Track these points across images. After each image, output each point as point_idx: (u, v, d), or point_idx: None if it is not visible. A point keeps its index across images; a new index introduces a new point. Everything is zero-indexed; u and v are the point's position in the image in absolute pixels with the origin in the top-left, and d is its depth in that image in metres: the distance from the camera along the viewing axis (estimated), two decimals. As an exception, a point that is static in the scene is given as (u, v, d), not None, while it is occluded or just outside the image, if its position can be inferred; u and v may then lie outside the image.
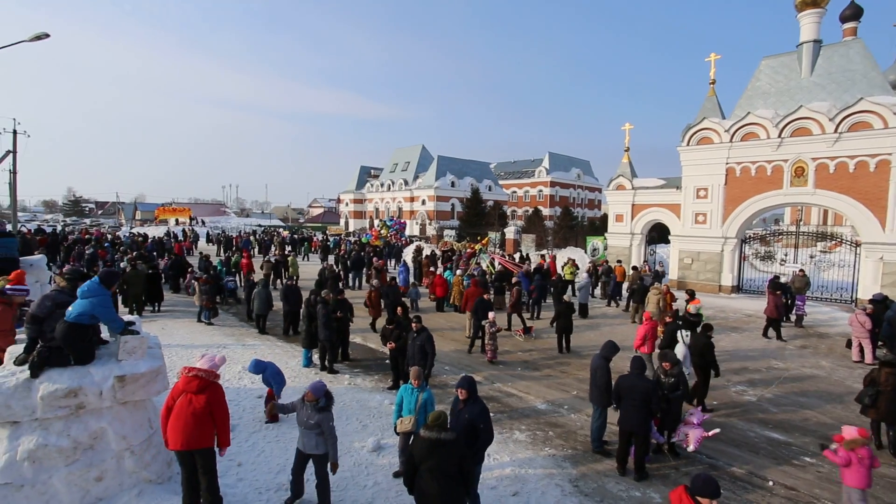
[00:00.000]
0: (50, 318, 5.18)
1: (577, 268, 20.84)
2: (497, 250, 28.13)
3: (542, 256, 24.23)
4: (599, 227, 42.32)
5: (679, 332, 8.51)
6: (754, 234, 24.15)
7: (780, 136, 19.17)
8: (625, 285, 18.65)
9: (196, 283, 14.99)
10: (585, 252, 28.27)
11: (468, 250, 22.82)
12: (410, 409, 6.03)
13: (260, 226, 60.33)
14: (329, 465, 5.31)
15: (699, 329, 8.87)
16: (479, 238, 26.98)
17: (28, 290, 7.29)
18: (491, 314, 11.40)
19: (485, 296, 12.54)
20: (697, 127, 21.54)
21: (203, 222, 58.69)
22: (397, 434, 6.30)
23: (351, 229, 63.16)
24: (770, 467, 6.80)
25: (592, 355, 7.50)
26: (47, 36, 16.57)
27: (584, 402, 8.92)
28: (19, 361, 5.03)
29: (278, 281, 20.30)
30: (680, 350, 8.20)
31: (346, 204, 74.25)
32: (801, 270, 17.14)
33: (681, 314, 11.18)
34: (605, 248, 26.47)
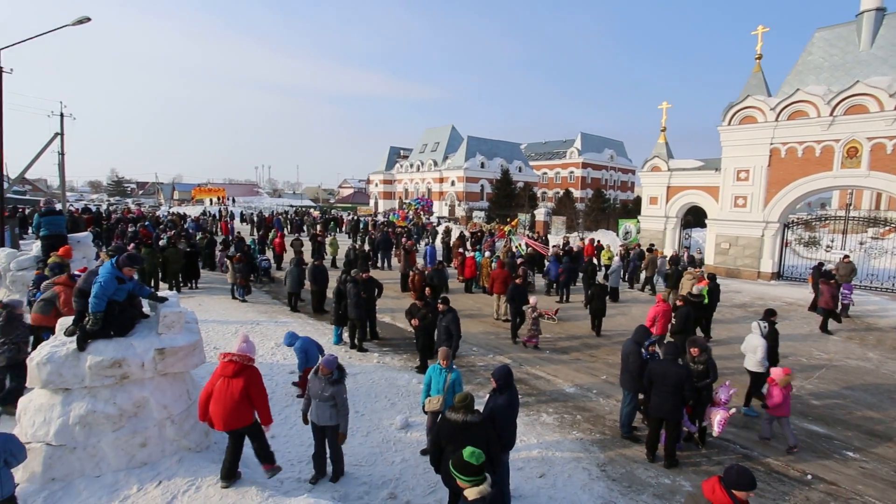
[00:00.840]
0: (95, 292, 5.41)
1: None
2: (526, 232, 27.82)
3: (581, 239, 23.80)
4: (632, 209, 41.26)
5: (757, 322, 8.22)
6: (798, 218, 23.06)
7: (831, 114, 18.05)
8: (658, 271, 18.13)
9: (228, 261, 15.41)
10: (617, 235, 27.65)
11: (498, 232, 22.63)
12: (439, 389, 6.08)
13: (291, 206, 61.45)
14: (338, 434, 5.58)
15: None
16: (508, 220, 26.70)
17: None
18: (532, 299, 11.15)
19: (517, 280, 12.05)
20: (740, 105, 20.49)
21: (234, 201, 60.24)
22: (425, 413, 6.38)
23: (380, 210, 63.61)
24: (809, 461, 6.57)
25: (623, 340, 7.37)
26: (88, 20, 17.03)
27: (612, 386, 8.81)
28: (69, 333, 5.29)
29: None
30: (757, 341, 7.88)
31: (376, 184, 74.66)
32: (846, 257, 16.26)
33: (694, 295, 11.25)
34: (638, 232, 25.81)
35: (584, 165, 71.12)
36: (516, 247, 20.58)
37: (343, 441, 5.64)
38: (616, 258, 17.45)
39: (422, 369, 9.25)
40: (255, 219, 35.18)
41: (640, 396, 6.94)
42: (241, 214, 45.97)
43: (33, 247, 11.52)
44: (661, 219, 24.26)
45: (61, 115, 36.80)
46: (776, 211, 19.85)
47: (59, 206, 19.14)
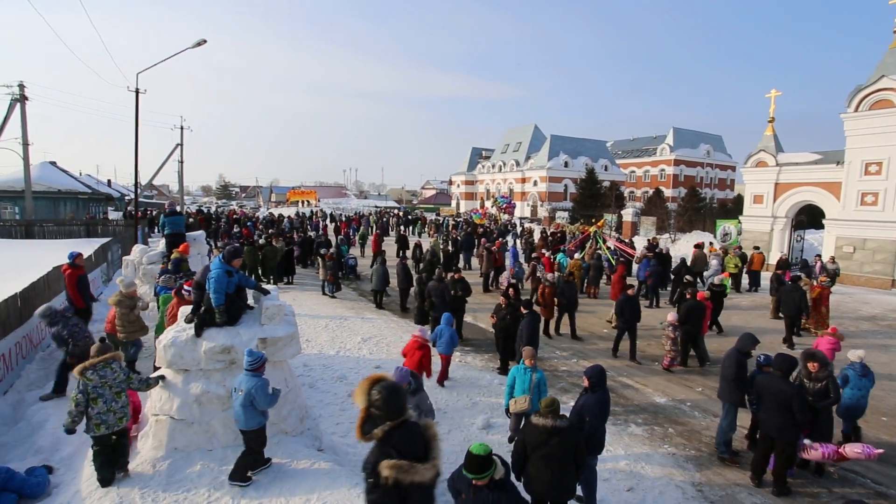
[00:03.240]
0: (209, 285, 6.02)
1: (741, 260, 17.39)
2: (613, 233, 26.61)
3: (662, 242, 22.24)
4: (732, 209, 37.94)
5: None
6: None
7: None
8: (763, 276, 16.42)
9: (320, 259, 16.39)
10: (714, 236, 25.54)
11: (582, 233, 21.83)
12: (524, 389, 6.06)
13: (377, 206, 64.08)
14: None
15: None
16: (593, 220, 25.67)
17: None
18: (671, 315, 9.83)
19: (628, 290, 10.31)
20: (872, 87, 17.99)
21: (308, 202, 64.35)
22: (509, 416, 6.34)
23: (462, 210, 64.26)
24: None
25: (719, 349, 6.78)
26: (205, 42, 19.04)
27: (710, 400, 8.14)
28: (188, 320, 5.94)
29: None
30: None
31: (458, 185, 75.45)
32: None
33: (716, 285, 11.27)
34: (739, 233, 23.65)
35: (677, 162, 66.46)
36: (603, 248, 19.71)
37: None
38: (714, 262, 16.07)
39: (503, 371, 9.20)
40: (344, 219, 37.22)
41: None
42: (331, 215, 48.76)
43: (159, 244, 13.07)
44: (767, 219, 22.01)
45: (181, 128, 41.34)
46: (916, 210, 17.17)
47: (178, 208, 21.55)
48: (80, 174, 45.27)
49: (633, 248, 20.02)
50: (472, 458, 3.31)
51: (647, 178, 69.23)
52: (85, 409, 4.96)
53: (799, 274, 11.89)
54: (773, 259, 19.99)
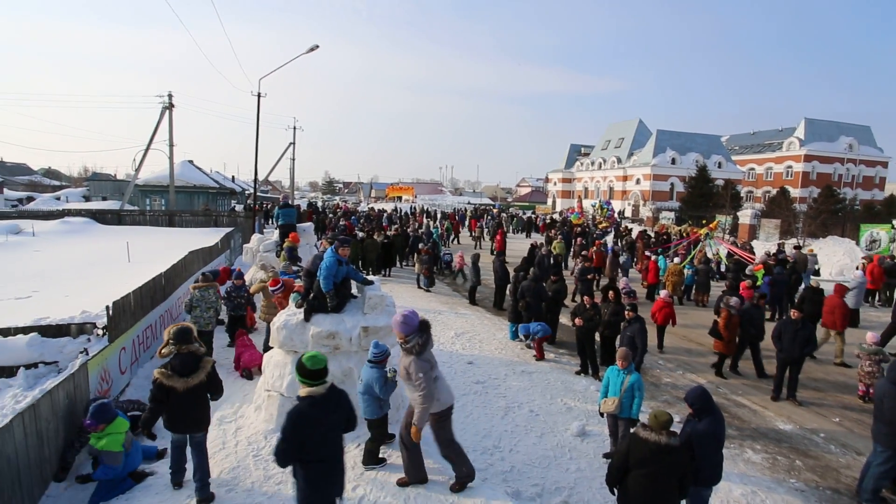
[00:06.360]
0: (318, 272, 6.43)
1: None
2: (727, 237, 24.13)
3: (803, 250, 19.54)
4: (881, 211, 32.69)
5: None
6: None
7: None
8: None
9: (417, 253, 16.85)
10: (857, 244, 22.08)
11: (691, 234, 20.04)
12: (616, 391, 5.86)
13: (470, 203, 64.64)
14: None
15: None
16: (704, 222, 23.46)
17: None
18: (871, 335, 7.93)
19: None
20: None
21: (400, 199, 66.58)
22: (601, 415, 6.17)
23: (558, 209, 62.58)
24: None
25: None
26: (317, 47, 20.45)
27: (851, 434, 7.04)
28: (298, 305, 6.38)
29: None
30: None
31: (554, 183, 73.64)
32: None
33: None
34: (893, 240, 20.22)
35: (808, 158, 58.45)
36: (714, 253, 17.97)
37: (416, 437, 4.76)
38: (857, 272, 13.85)
39: (583, 372, 9.08)
40: (439, 215, 38.08)
41: None
42: (427, 211, 50.09)
43: (274, 233, 14.30)
44: (932, 224, 18.52)
45: (294, 128, 44.96)
46: None
47: (290, 202, 23.33)
48: (211, 171, 51.14)
49: (753, 253, 17.98)
50: (302, 367, 3.81)
51: (770, 176, 61.83)
52: (190, 310, 8.40)
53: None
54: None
